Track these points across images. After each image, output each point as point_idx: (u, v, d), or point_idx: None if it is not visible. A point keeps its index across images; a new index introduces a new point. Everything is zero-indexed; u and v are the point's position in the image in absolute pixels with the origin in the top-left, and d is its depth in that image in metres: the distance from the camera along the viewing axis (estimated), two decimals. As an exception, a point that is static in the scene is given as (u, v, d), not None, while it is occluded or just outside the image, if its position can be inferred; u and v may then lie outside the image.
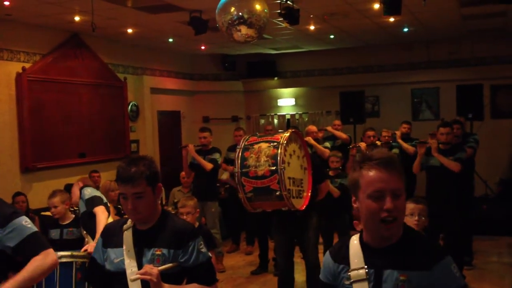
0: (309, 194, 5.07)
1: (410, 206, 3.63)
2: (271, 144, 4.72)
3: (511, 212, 8.46)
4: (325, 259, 2.15)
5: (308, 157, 5.21)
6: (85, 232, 4.80)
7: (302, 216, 5.11)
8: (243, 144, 4.83)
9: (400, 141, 8.07)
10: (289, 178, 4.71)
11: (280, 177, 4.56)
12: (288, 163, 4.71)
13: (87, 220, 4.73)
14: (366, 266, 1.97)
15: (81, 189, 4.90)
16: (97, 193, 4.89)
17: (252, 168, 4.67)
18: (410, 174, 7.49)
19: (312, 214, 5.26)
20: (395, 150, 7.66)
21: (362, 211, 1.98)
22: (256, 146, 4.75)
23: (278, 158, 4.59)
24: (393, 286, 1.92)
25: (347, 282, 2.00)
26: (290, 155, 4.81)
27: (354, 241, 2.06)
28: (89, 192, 4.79)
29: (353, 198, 2.02)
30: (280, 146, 4.66)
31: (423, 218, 3.65)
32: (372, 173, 1.93)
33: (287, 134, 4.81)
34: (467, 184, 6.85)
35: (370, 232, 1.99)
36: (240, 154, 4.76)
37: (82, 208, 4.80)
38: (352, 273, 1.99)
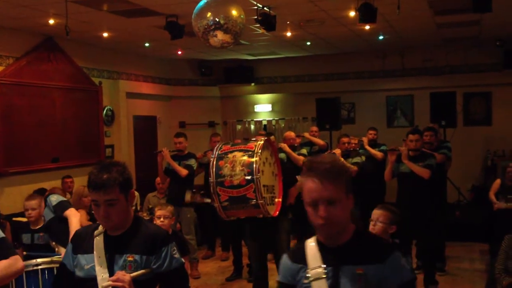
0: (281, 199, 5.10)
1: (376, 212, 3.83)
2: (246, 153, 4.73)
3: (483, 218, 8.57)
4: (283, 261, 2.24)
5: (278, 163, 5.25)
6: (54, 242, 4.75)
7: (274, 221, 5.12)
8: (216, 153, 4.82)
9: (368, 147, 8.26)
10: (264, 186, 4.73)
11: (256, 186, 4.58)
12: (262, 171, 4.72)
13: (57, 226, 4.71)
14: (324, 265, 2.08)
15: (46, 197, 4.94)
16: (64, 199, 4.99)
17: (228, 178, 4.67)
18: (379, 180, 7.55)
19: (283, 218, 5.29)
20: (361, 158, 7.67)
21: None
22: (230, 155, 4.75)
23: (254, 166, 4.60)
24: (351, 280, 2.02)
25: (305, 281, 2.10)
26: (263, 162, 4.83)
27: (311, 242, 2.17)
28: (56, 198, 4.84)
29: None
30: (255, 155, 4.67)
31: (381, 224, 3.75)
32: (309, 184, 2.06)
33: (261, 143, 4.82)
34: (439, 191, 6.92)
35: (319, 232, 2.13)
36: (214, 163, 4.74)
37: (49, 216, 4.80)
38: (310, 272, 2.08)
